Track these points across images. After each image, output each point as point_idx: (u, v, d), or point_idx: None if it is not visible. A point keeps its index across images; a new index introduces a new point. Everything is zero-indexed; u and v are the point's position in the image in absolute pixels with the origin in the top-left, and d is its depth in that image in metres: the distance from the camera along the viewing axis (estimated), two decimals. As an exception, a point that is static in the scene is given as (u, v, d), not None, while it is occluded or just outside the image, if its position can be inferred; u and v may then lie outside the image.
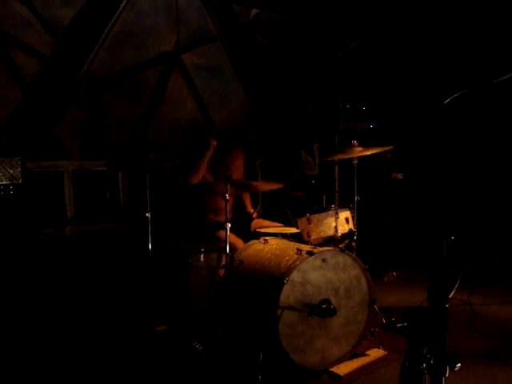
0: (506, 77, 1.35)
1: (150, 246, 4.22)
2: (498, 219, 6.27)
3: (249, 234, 4.63)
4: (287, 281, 3.45)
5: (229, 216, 4.92)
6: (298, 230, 4.45)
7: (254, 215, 5.06)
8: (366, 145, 4.81)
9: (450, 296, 1.31)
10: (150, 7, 5.64)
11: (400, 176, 6.72)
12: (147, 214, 4.22)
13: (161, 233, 4.65)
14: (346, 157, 4.77)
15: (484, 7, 5.86)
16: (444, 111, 1.27)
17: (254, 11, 6.51)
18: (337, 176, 6.28)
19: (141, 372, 3.64)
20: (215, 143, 4.74)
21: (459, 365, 1.31)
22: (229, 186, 4.05)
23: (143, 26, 5.61)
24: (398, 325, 1.36)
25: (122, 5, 5.44)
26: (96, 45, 5.31)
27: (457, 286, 1.34)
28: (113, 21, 5.39)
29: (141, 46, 5.60)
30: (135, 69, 5.57)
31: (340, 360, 3.74)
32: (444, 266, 1.29)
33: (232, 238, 4.38)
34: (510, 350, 3.96)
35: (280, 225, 4.82)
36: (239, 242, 4.58)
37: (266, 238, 4.24)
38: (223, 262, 4.22)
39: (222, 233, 4.45)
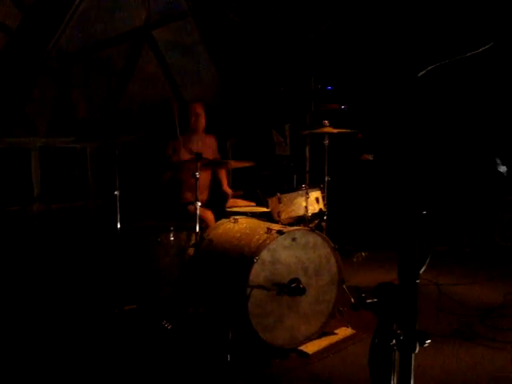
0: (479, 50, 1.34)
1: (118, 225, 4.17)
2: (465, 200, 6.35)
3: (223, 214, 4.62)
4: (257, 260, 3.45)
5: (204, 194, 4.92)
6: (268, 210, 4.45)
7: (231, 195, 5.00)
8: (336, 125, 4.82)
9: (421, 271, 1.31)
10: (121, -18, 5.52)
11: (370, 157, 6.75)
12: (116, 192, 4.17)
13: (130, 211, 4.60)
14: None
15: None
16: (416, 85, 1.26)
17: (227, -12, 6.42)
18: (308, 156, 6.27)
19: (109, 351, 3.62)
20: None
21: (429, 341, 1.32)
22: (198, 164, 4.00)
23: (113, 0, 5.48)
24: (368, 301, 1.36)
25: (92, -21, 5.30)
26: (64, 19, 5.16)
27: (428, 261, 1.34)
28: (82, -5, 5.25)
29: (110, 21, 5.47)
30: (104, 44, 5.44)
31: (309, 338, 3.76)
32: (415, 241, 1.28)
33: (200, 210, 4.37)
34: (476, 329, 4.03)
35: (254, 204, 4.81)
36: (207, 214, 4.58)
37: (236, 217, 4.22)
38: (193, 241, 4.19)
39: (191, 207, 4.40)
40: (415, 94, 1.30)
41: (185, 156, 4.78)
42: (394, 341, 1.32)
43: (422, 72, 1.27)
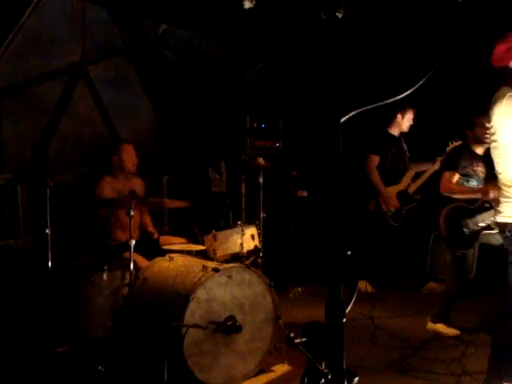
0: (399, 97, 1.41)
1: (49, 264, 4.07)
2: (396, 234, 6.49)
3: (155, 252, 4.57)
4: (192, 298, 3.42)
5: (136, 233, 4.87)
6: (204, 247, 4.44)
7: (155, 235, 4.99)
8: (271, 162, 4.89)
9: (347, 311, 1.34)
10: (56, 17, 5.45)
11: (305, 193, 6.86)
12: (47, 231, 4.08)
13: (63, 250, 4.50)
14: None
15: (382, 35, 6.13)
16: (340, 130, 1.31)
17: (164, 27, 6.47)
18: (243, 193, 6.31)
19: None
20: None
21: (357, 379, 1.34)
22: (133, 202, 3.97)
23: (48, 35, 5.41)
24: (297, 340, 1.37)
25: (26, 14, 5.23)
26: (-4, 54, 5.08)
27: (353, 301, 1.37)
28: (15, 30, 5.18)
29: (45, 56, 5.39)
30: (38, 79, 5.36)
31: (246, 377, 3.74)
32: (340, 282, 1.31)
33: (139, 259, 4.32)
34: (410, 362, 4.10)
35: (188, 240, 4.80)
36: (138, 258, 4.53)
37: (172, 254, 4.19)
38: (127, 280, 4.12)
39: (128, 254, 4.35)
40: (338, 138, 1.35)
41: (112, 195, 4.74)
42: (322, 380, 1.34)
43: (345, 118, 1.33)
